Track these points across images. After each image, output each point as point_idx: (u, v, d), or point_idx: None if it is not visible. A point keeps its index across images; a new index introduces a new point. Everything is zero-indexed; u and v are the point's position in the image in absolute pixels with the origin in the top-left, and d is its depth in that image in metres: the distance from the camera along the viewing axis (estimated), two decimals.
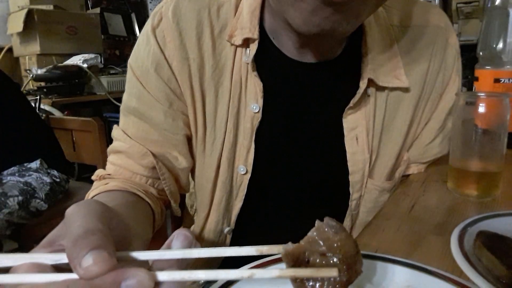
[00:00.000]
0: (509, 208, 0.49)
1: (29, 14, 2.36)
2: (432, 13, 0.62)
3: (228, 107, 0.56)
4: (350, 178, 0.60)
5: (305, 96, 0.58)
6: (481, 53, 0.80)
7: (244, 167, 0.58)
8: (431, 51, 0.60)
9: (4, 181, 1.24)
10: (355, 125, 0.58)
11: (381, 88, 0.58)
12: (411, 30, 0.60)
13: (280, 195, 0.62)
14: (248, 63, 0.54)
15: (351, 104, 0.56)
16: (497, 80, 0.77)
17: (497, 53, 0.77)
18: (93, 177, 0.58)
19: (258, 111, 0.55)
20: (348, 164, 0.59)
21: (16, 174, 1.28)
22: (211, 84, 0.55)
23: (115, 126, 0.59)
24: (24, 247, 1.32)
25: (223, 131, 0.56)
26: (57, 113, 2.06)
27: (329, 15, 0.41)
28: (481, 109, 0.53)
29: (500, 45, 0.76)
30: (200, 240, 0.64)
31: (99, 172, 0.58)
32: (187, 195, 0.72)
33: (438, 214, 0.50)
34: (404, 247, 0.42)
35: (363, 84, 0.56)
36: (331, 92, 0.58)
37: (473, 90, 0.81)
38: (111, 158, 0.59)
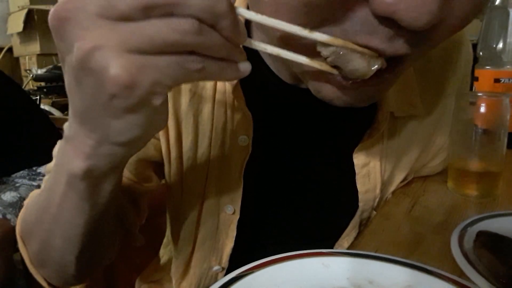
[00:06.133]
0: (509, 208, 0.49)
1: (29, 14, 2.37)
2: None
3: (211, 140, 0.47)
4: (360, 217, 0.54)
5: (303, 127, 0.50)
6: (481, 53, 0.80)
7: (231, 207, 0.50)
8: (448, 70, 0.55)
9: (17, 184, 1.22)
10: (368, 161, 0.52)
11: (394, 116, 0.51)
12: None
13: (278, 234, 0.56)
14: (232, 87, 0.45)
15: (364, 137, 0.50)
16: (497, 80, 0.77)
17: (497, 53, 0.77)
18: (46, 171, 0.48)
19: (247, 144, 0.47)
20: (359, 204, 0.53)
21: (27, 178, 1.27)
22: (188, 113, 0.46)
23: None
24: None
25: (205, 167, 0.49)
26: (57, 113, 2.06)
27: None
28: (481, 109, 0.53)
29: (500, 45, 0.76)
30: (186, 274, 0.57)
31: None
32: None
33: (438, 214, 0.50)
34: (404, 247, 0.42)
35: (383, 119, 0.49)
36: (337, 124, 0.51)
37: (473, 90, 0.81)
38: None
